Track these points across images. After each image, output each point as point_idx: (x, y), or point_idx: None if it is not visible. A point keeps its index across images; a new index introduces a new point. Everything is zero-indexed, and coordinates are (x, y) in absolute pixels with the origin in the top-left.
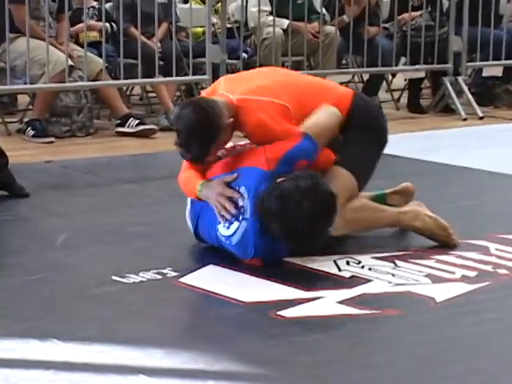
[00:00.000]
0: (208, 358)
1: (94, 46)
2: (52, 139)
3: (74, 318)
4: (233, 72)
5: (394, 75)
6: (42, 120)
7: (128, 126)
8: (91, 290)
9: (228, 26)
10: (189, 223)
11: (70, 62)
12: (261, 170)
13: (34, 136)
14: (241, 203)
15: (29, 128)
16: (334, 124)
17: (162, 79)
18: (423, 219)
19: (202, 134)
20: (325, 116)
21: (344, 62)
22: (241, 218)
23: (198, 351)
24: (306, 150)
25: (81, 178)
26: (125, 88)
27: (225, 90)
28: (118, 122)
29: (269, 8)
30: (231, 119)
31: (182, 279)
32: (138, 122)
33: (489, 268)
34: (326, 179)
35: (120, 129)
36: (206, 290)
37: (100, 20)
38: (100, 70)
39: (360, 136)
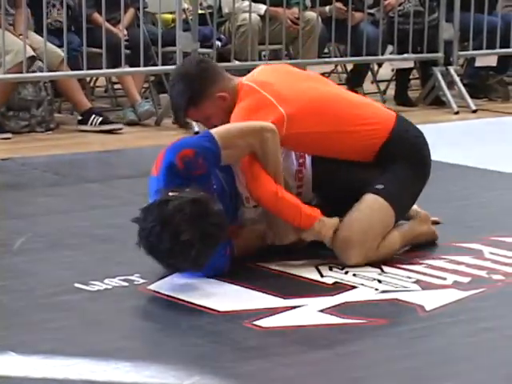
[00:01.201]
0: (178, 371)
1: (56, 34)
2: (9, 135)
3: (33, 329)
4: None
5: (380, 65)
6: None
7: (91, 124)
8: (52, 299)
9: (200, 11)
10: None
11: (32, 53)
12: (153, 177)
13: None
14: None
15: None
16: (252, 136)
17: (128, 69)
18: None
19: (182, 85)
20: (241, 126)
21: (326, 50)
22: None
23: (167, 364)
24: (191, 141)
25: (41, 176)
26: (88, 79)
27: (248, 76)
28: (80, 118)
29: None
30: (225, 94)
31: (151, 286)
32: (101, 119)
33: (483, 273)
34: (364, 206)
35: (82, 127)
36: (176, 298)
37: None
38: (61, 61)
39: (404, 168)
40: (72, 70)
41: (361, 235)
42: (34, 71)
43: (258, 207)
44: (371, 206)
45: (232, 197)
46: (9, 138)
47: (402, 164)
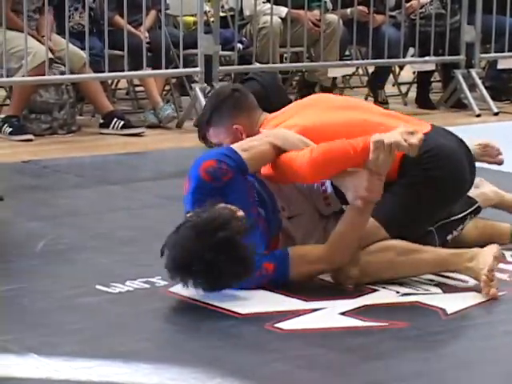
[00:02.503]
0: (199, 374)
1: (78, 37)
2: (31, 137)
3: (54, 331)
4: (227, 64)
5: (401, 67)
6: (20, 116)
7: (113, 128)
8: (74, 301)
9: (222, 14)
10: None
11: (50, 55)
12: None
13: (10, 134)
14: None
15: (5, 125)
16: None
17: (150, 72)
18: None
19: (209, 104)
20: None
21: (347, 53)
22: None
23: (188, 367)
24: (210, 154)
25: (62, 178)
26: (110, 82)
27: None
28: (102, 121)
29: None
30: (241, 128)
31: (172, 289)
32: (122, 123)
33: (505, 277)
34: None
35: (104, 130)
36: (197, 301)
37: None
38: (83, 64)
39: (408, 184)
40: (94, 72)
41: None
42: (54, 74)
43: (293, 219)
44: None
45: (275, 208)
46: (30, 140)
47: (409, 180)
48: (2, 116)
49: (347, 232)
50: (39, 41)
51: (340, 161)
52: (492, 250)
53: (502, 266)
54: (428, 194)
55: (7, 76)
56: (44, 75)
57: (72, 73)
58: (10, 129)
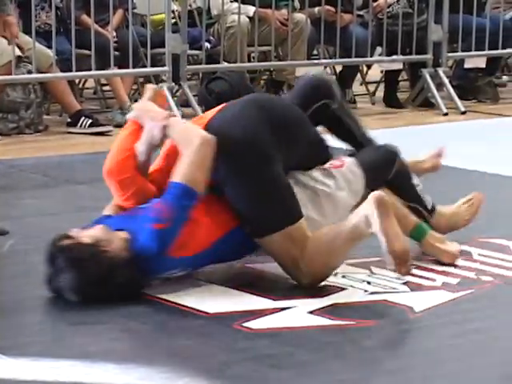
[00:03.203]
0: (168, 373)
1: (45, 37)
2: None
3: (22, 332)
4: (195, 63)
5: (369, 67)
6: None
7: (80, 126)
8: (41, 301)
9: (189, 13)
10: None
11: (18, 53)
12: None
13: None
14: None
15: None
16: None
17: (117, 71)
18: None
19: None
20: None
21: (315, 52)
22: None
23: (156, 366)
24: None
25: (29, 178)
26: (77, 81)
27: None
28: (69, 120)
29: None
30: None
31: (144, 290)
32: (90, 121)
33: (472, 275)
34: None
35: (71, 129)
36: (165, 300)
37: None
38: (51, 64)
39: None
40: (61, 71)
41: None
42: (22, 73)
43: None
44: None
45: None
46: None
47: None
48: None
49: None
50: (6, 39)
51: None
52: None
53: (468, 263)
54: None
55: None
56: (11, 74)
57: (39, 72)
58: None
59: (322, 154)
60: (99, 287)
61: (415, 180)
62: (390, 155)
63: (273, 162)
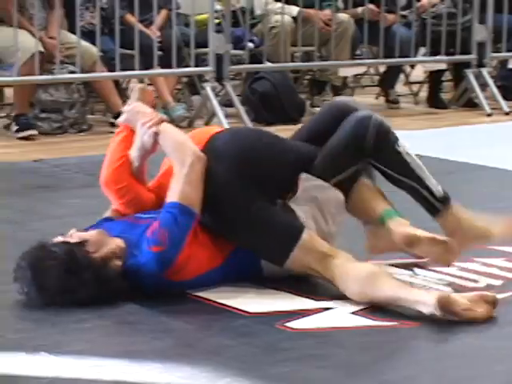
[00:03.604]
0: (210, 373)
1: (89, 36)
2: (32, 132)
3: (66, 330)
4: (238, 63)
5: (412, 67)
6: (29, 115)
7: None
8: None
9: (233, 13)
10: None
11: (40, 48)
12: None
13: (16, 131)
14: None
15: (13, 124)
16: None
17: (160, 71)
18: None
19: None
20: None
21: (358, 52)
22: None
23: (199, 366)
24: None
25: (72, 178)
26: (121, 81)
27: None
28: (113, 120)
29: None
30: None
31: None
32: None
33: None
34: None
35: (114, 129)
36: (208, 300)
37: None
38: (95, 61)
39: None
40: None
41: None
42: (51, 71)
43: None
44: None
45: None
46: (31, 135)
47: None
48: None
49: None
50: (31, 33)
51: None
52: None
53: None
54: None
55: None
56: (33, 73)
57: (83, 71)
58: (17, 127)
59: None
60: (70, 283)
61: (404, 148)
62: (357, 126)
63: (250, 202)
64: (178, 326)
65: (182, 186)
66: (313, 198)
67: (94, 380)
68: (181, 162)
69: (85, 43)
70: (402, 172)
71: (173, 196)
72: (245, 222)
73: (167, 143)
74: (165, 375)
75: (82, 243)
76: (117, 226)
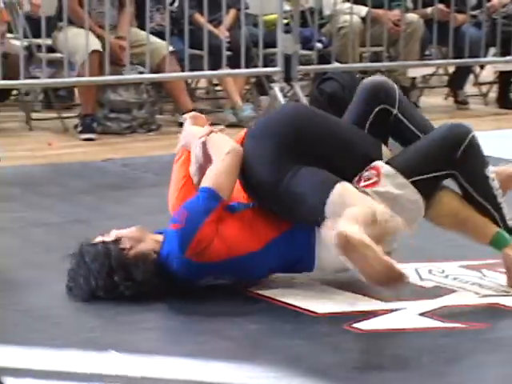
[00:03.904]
0: (279, 372)
1: (159, 36)
2: (91, 136)
3: (134, 329)
4: (306, 64)
5: (482, 67)
6: (97, 115)
7: None
8: (153, 300)
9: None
10: None
11: (98, 47)
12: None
13: (79, 132)
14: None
15: (79, 123)
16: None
17: (229, 71)
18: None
19: None
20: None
21: (427, 52)
22: None
23: (268, 365)
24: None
25: (141, 177)
26: (190, 81)
27: None
28: (182, 120)
29: None
30: None
31: (252, 288)
32: None
33: None
34: None
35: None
36: (275, 300)
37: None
38: (163, 56)
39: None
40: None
41: None
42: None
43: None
44: None
45: None
46: (92, 139)
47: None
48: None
49: None
50: (100, 36)
51: None
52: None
53: None
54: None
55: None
56: (96, 73)
57: (152, 71)
58: (81, 128)
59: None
60: (105, 282)
61: (492, 174)
62: (455, 132)
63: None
64: (246, 326)
65: (214, 172)
66: (392, 197)
67: (161, 379)
68: (219, 153)
69: (155, 39)
70: (483, 195)
71: (205, 181)
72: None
73: (211, 146)
74: (232, 375)
75: (117, 241)
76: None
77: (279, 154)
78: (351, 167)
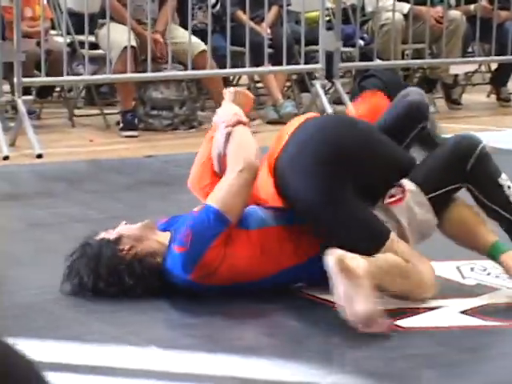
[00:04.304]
0: (319, 370)
1: (200, 34)
2: (133, 133)
3: (174, 325)
4: (348, 61)
5: None
6: (138, 111)
7: None
8: (195, 297)
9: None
10: None
11: (132, 43)
12: None
13: (121, 129)
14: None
15: (120, 120)
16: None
17: (270, 68)
18: None
19: None
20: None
21: (470, 49)
22: None
23: (308, 363)
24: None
25: (183, 174)
26: (231, 78)
27: None
28: None
29: None
30: None
31: (292, 286)
32: None
33: None
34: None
35: None
36: (316, 297)
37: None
38: (199, 52)
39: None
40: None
41: None
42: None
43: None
44: None
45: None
46: (135, 137)
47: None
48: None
49: None
50: (139, 33)
51: None
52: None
53: None
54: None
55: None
56: (126, 70)
57: (193, 68)
58: (122, 124)
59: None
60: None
61: (507, 182)
62: (464, 144)
63: (342, 199)
64: (287, 323)
65: (224, 192)
66: (412, 215)
67: (202, 375)
68: (232, 166)
69: (192, 38)
70: (499, 203)
71: (212, 199)
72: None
73: (231, 145)
74: (273, 371)
75: (117, 240)
76: (184, 217)
77: (320, 171)
78: (386, 184)
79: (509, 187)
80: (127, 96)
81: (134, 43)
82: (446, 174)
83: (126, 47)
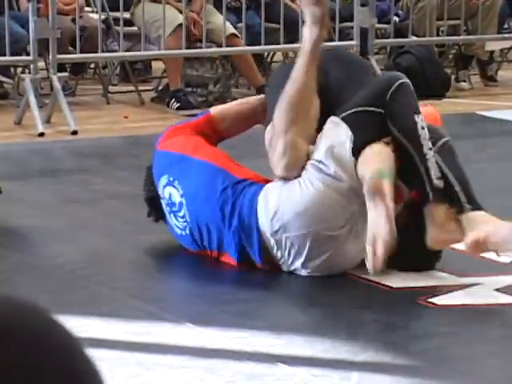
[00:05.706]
0: (352, 347)
1: (235, 12)
2: (195, 112)
3: (210, 301)
4: (382, 37)
5: None
6: (185, 90)
7: None
8: (232, 273)
9: None
10: None
11: (180, 21)
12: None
13: (178, 109)
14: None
15: (173, 100)
16: None
17: None
18: None
19: None
20: None
21: (506, 26)
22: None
23: (341, 339)
24: None
25: None
26: (265, 54)
27: None
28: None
29: None
30: None
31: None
32: None
33: None
34: None
35: None
36: (350, 274)
37: None
38: (230, 35)
39: None
40: (250, 45)
41: None
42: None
43: None
44: None
45: None
46: (196, 115)
47: None
48: (170, 90)
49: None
50: (178, 10)
51: None
52: None
53: None
54: None
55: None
56: (180, 46)
57: (227, 45)
58: (178, 104)
59: None
60: None
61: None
62: (386, 77)
63: None
64: (322, 300)
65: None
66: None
67: (237, 351)
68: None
69: (220, 18)
70: (410, 140)
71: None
72: None
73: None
74: (306, 348)
75: None
76: None
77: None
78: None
79: (422, 128)
80: (177, 74)
81: (183, 21)
82: (369, 94)
83: (180, 24)
